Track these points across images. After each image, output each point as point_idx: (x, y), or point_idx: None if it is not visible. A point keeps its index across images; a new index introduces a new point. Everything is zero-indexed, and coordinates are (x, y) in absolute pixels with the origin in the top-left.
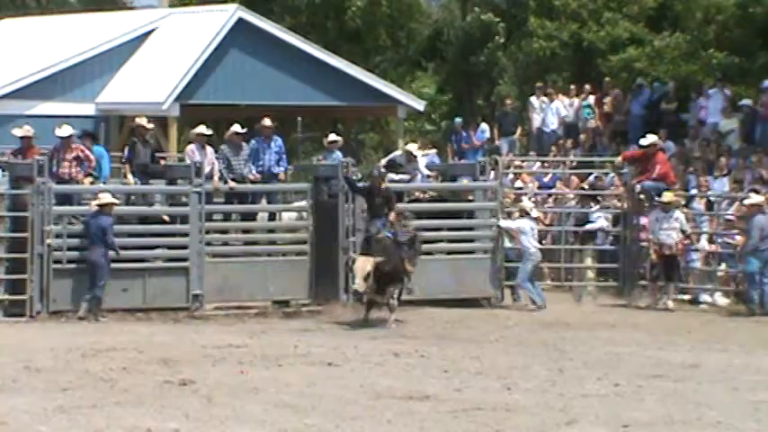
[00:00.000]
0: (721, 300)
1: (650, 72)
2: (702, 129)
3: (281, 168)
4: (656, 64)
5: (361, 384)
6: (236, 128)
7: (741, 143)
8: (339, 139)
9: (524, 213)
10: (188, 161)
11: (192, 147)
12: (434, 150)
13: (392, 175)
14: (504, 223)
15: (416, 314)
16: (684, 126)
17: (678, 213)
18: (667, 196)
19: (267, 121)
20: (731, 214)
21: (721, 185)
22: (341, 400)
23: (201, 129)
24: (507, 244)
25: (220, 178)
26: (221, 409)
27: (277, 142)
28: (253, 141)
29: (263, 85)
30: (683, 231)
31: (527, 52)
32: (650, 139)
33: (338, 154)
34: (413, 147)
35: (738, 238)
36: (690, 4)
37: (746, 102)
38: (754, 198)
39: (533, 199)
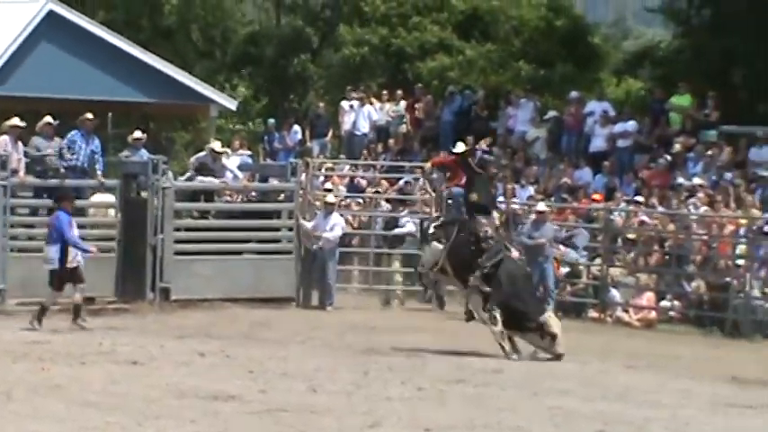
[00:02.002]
0: None
1: (461, 81)
2: (511, 137)
3: (100, 170)
4: (466, 73)
5: (166, 383)
6: (48, 119)
7: (548, 152)
8: (143, 136)
9: (326, 205)
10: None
11: (4, 138)
12: (249, 151)
13: (201, 177)
14: (303, 223)
15: (223, 314)
16: (493, 134)
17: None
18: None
19: (89, 115)
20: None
21: (527, 193)
22: (145, 398)
23: (15, 121)
24: (314, 245)
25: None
26: (20, 405)
27: (95, 141)
28: (74, 132)
29: (73, 79)
30: None
31: (339, 58)
32: (462, 147)
33: (143, 151)
34: (216, 145)
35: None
36: (497, 15)
37: (554, 112)
38: (541, 206)
39: (343, 202)
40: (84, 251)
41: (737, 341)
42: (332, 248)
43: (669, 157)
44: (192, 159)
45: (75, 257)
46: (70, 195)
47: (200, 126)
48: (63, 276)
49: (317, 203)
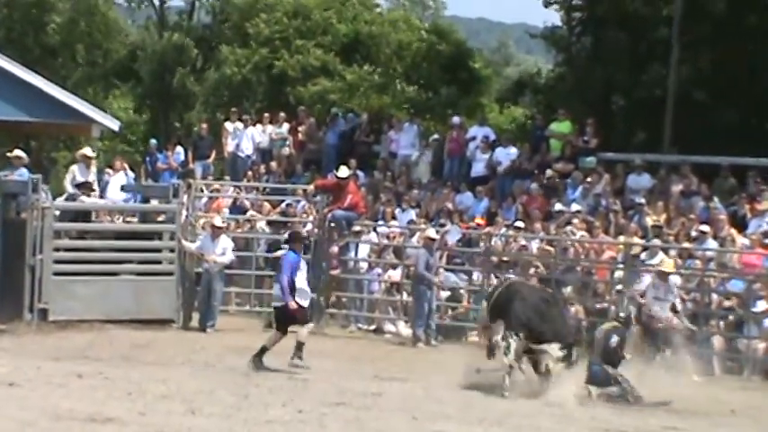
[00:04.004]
0: (405, 329)
1: (342, 104)
2: (393, 161)
3: None
4: (349, 96)
5: (43, 406)
6: None
7: (430, 176)
8: (24, 155)
9: (214, 229)
10: None
11: None
12: (132, 174)
13: (84, 198)
14: (186, 245)
15: (102, 335)
16: (376, 157)
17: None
18: (667, 265)
19: None
20: (414, 246)
21: (409, 217)
22: (21, 421)
23: None
24: (197, 268)
25: None
26: None
27: None
28: None
29: None
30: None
31: (219, 77)
32: (346, 172)
33: (23, 170)
34: (87, 150)
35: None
36: (380, 38)
37: (436, 136)
38: (429, 231)
39: (225, 223)
40: (284, 297)
41: None
42: (219, 270)
43: (546, 183)
44: (68, 175)
45: (306, 296)
46: (301, 236)
47: (83, 146)
48: (286, 316)
49: (199, 225)
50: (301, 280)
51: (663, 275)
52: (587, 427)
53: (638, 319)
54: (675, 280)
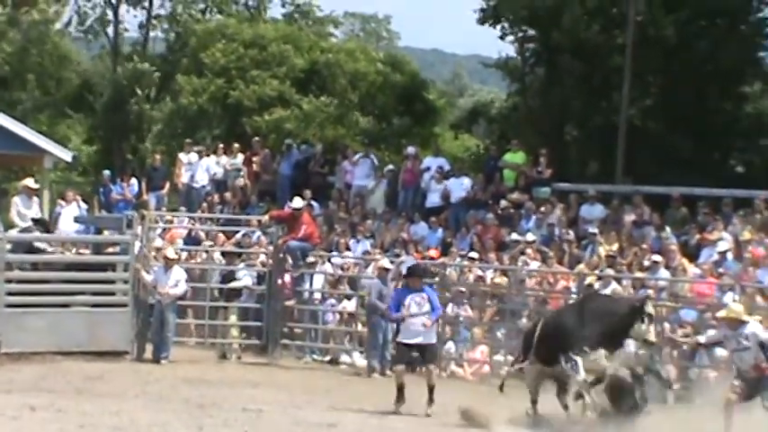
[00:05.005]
0: (360, 360)
1: (299, 134)
2: (348, 191)
3: None
4: (304, 126)
5: None
6: None
7: (385, 207)
8: None
9: (167, 260)
10: None
11: None
12: (85, 205)
13: (37, 233)
14: (144, 276)
15: (55, 367)
16: (331, 188)
17: (752, 328)
18: (734, 311)
19: None
20: (369, 277)
21: (364, 248)
22: None
23: None
24: (150, 299)
25: None
26: None
27: None
28: None
29: None
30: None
31: (175, 108)
32: (301, 203)
33: None
34: (30, 181)
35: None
36: (335, 68)
37: (391, 167)
38: (383, 262)
39: (177, 254)
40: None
41: None
42: (172, 302)
43: (501, 213)
44: (12, 208)
45: (416, 336)
46: (419, 273)
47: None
48: (398, 351)
49: (154, 256)
50: (413, 318)
51: None
52: None
53: None
54: None
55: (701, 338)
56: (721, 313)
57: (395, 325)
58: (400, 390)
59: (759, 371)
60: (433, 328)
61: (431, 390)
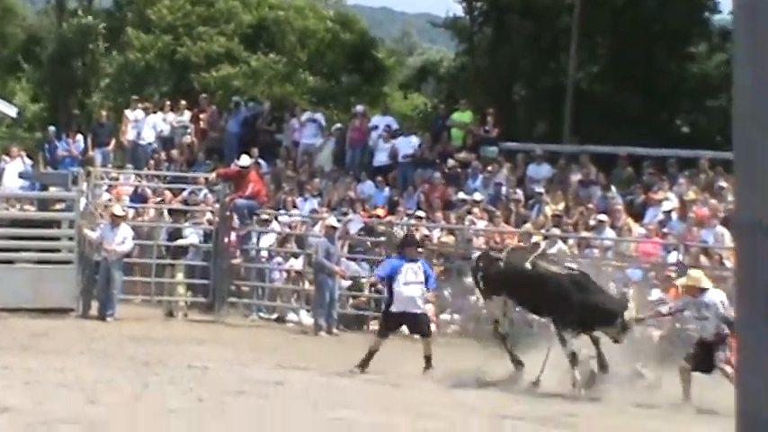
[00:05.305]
0: (306, 318)
1: (247, 91)
2: (296, 150)
3: None
4: (252, 84)
5: None
6: None
7: (332, 165)
8: None
9: (114, 217)
10: None
11: None
12: (29, 161)
13: None
14: (89, 234)
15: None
16: (279, 146)
17: (712, 296)
18: (693, 278)
19: None
20: (316, 235)
21: (311, 206)
22: None
23: None
24: (96, 257)
25: None
26: None
27: None
28: None
29: None
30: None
31: (123, 63)
32: (248, 161)
33: None
34: None
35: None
36: (284, 26)
37: (339, 125)
38: (330, 220)
39: (124, 211)
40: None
41: None
42: (119, 259)
43: (448, 172)
44: None
45: (410, 305)
46: (415, 243)
47: None
48: (387, 320)
49: (100, 213)
50: (408, 287)
51: None
52: (487, 416)
53: None
54: None
55: (663, 309)
56: (681, 281)
57: (342, 282)
58: (370, 356)
59: (719, 338)
60: (423, 297)
61: (428, 359)
